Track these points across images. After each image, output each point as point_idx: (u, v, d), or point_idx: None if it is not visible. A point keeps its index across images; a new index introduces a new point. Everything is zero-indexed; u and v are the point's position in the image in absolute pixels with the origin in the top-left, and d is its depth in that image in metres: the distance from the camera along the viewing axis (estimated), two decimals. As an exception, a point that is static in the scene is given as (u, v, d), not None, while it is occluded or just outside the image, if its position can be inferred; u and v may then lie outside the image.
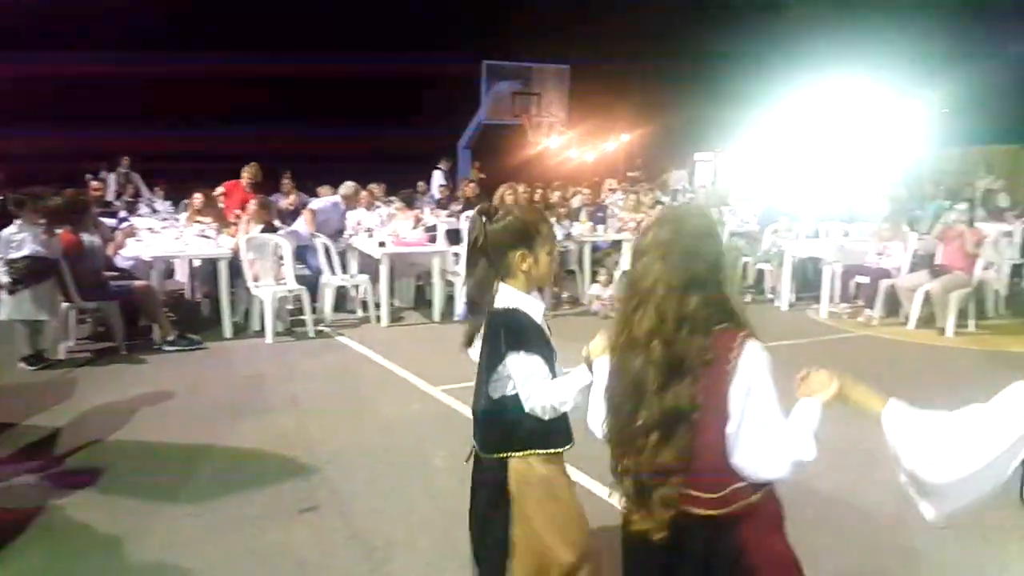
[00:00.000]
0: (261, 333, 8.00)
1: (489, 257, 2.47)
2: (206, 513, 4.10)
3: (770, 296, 10.45)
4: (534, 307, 2.54)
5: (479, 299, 2.51)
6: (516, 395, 2.45)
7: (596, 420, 2.17)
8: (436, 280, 8.99)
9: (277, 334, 7.98)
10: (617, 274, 9.97)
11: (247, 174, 10.41)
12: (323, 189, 12.18)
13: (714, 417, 1.88)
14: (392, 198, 12.23)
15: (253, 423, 5.45)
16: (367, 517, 4.07)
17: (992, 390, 1.89)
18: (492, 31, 19.95)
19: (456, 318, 8.75)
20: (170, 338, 7.48)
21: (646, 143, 22.71)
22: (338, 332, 8.35)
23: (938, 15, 17.19)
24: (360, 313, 9.17)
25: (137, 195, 14.29)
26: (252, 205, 8.86)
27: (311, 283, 8.64)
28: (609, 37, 20.39)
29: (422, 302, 9.76)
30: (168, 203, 13.34)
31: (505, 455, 2.50)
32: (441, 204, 13.35)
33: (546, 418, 2.45)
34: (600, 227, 10.91)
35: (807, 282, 10.66)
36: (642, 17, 20.16)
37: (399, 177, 14.51)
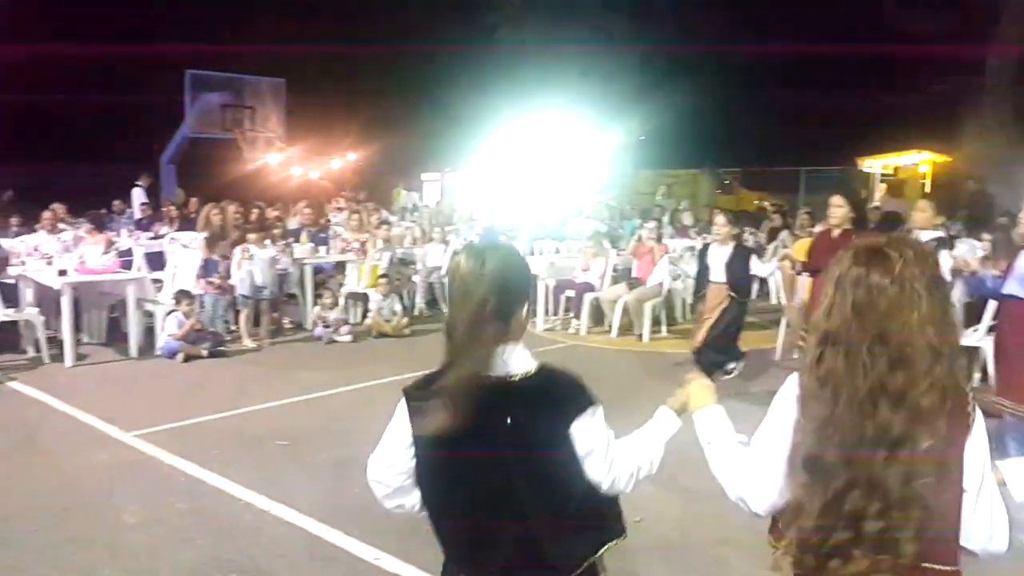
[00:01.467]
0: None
1: (499, 317, 1.89)
2: None
3: (492, 312, 10.77)
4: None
5: (482, 373, 1.88)
6: (589, 475, 1.89)
7: (760, 491, 1.77)
8: (132, 311, 8.10)
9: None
10: (342, 297, 9.75)
11: None
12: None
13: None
14: (80, 220, 10.85)
15: None
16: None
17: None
18: (199, 40, 18.75)
19: (158, 352, 8.02)
20: None
21: (374, 161, 22.65)
22: (9, 377, 7.21)
23: (629, 55, 19.11)
24: (32, 353, 7.97)
25: None
26: None
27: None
28: (327, 54, 20.11)
29: (118, 336, 8.75)
30: None
31: (591, 559, 1.92)
32: (142, 225, 12.20)
33: (628, 491, 1.95)
34: (323, 248, 10.58)
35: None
36: (361, 33, 20.11)
37: (93, 196, 13.05)
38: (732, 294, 6.45)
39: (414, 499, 2.01)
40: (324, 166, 21.82)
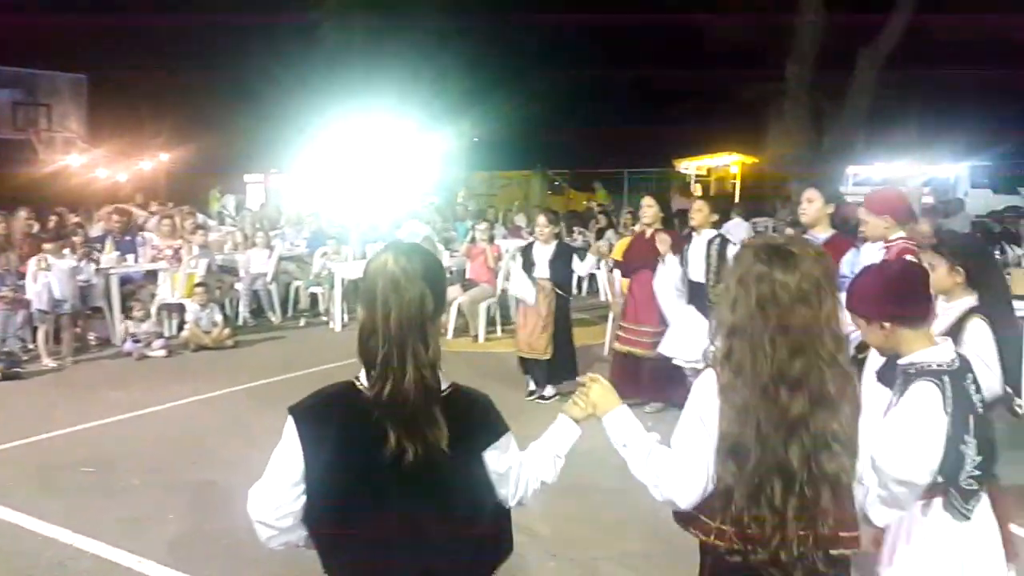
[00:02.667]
0: None
1: (436, 319, 1.76)
2: None
3: (324, 318, 10.43)
4: None
5: (432, 384, 1.71)
6: (498, 496, 1.83)
7: (689, 486, 1.84)
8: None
9: None
10: (154, 308, 9.04)
11: None
12: None
13: None
14: None
15: None
16: None
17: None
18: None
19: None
20: None
21: (191, 163, 21.34)
22: None
23: (460, 57, 19.16)
24: None
25: None
26: None
27: None
28: (133, 49, 18.75)
29: None
30: None
31: None
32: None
33: (527, 504, 1.90)
34: (131, 256, 9.76)
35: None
36: (172, 27, 18.94)
37: None
38: (557, 291, 6.54)
39: (300, 534, 1.82)
40: (133, 168, 20.28)
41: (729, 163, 20.23)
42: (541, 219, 6.84)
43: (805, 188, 5.11)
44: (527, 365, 6.71)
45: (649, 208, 6.42)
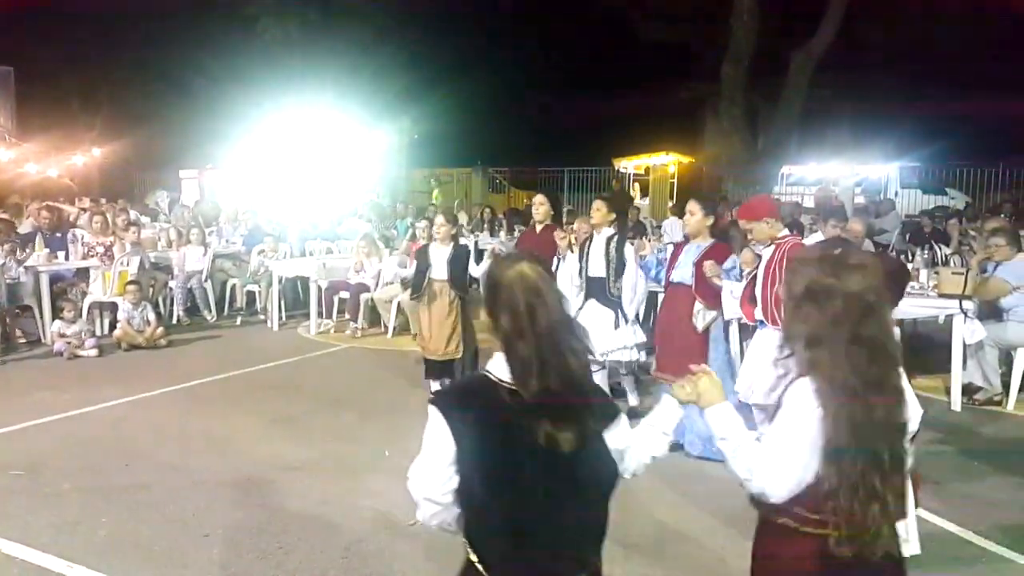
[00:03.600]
0: None
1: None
2: None
3: (261, 317, 10.32)
4: None
5: (581, 376, 1.97)
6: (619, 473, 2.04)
7: (783, 481, 1.99)
8: None
9: None
10: (85, 307, 8.82)
11: None
12: None
13: None
14: None
15: None
16: None
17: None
18: None
19: None
20: None
21: (125, 158, 20.79)
22: None
23: (399, 53, 19.07)
24: None
25: None
26: None
27: None
28: (64, 40, 18.18)
29: None
30: None
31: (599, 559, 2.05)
32: None
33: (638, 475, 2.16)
34: (62, 253, 9.50)
35: (297, 301, 10.78)
36: (104, 19, 18.41)
37: None
38: (456, 291, 6.58)
39: (454, 512, 1.96)
40: (64, 163, 19.65)
41: (667, 162, 20.56)
42: (439, 219, 6.87)
43: (688, 200, 5.64)
44: (434, 368, 6.70)
45: (541, 206, 6.83)
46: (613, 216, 6.20)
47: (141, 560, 3.96)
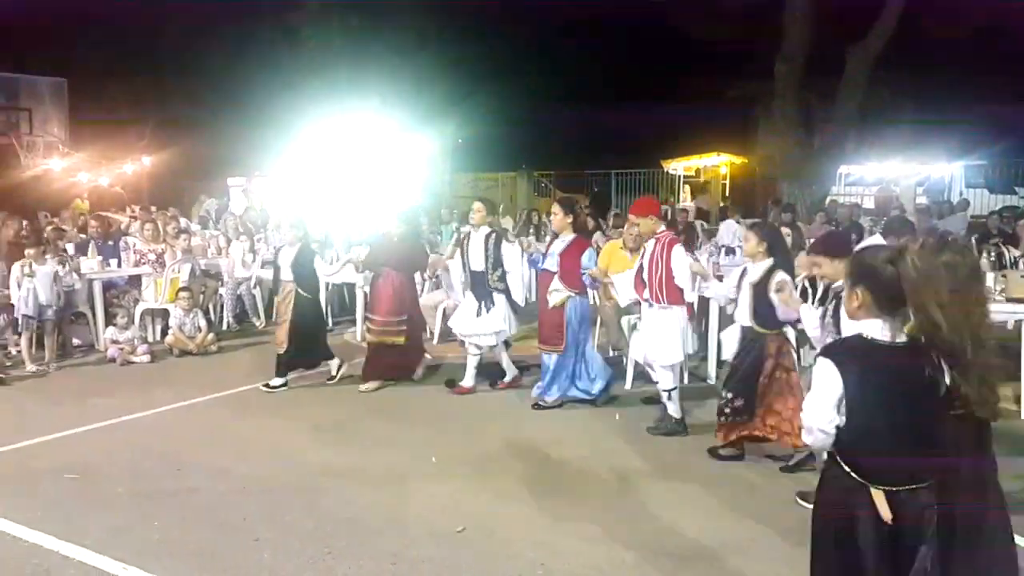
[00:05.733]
0: None
1: None
2: None
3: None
4: None
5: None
6: None
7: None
8: None
9: None
10: (137, 314, 8.93)
11: None
12: None
13: None
14: None
15: None
16: None
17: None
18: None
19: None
20: None
21: (174, 167, 21.18)
22: None
23: (442, 58, 19.10)
24: None
25: None
26: None
27: None
28: (115, 52, 18.59)
29: None
30: None
31: None
32: None
33: None
34: (114, 261, 9.65)
35: (343, 306, 10.79)
36: (153, 31, 18.80)
37: None
38: (300, 291, 7.08)
39: (831, 440, 2.59)
40: (115, 172, 20.10)
41: (718, 163, 20.22)
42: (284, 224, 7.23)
43: (552, 203, 6.56)
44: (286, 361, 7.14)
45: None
46: (492, 217, 7.08)
47: (192, 563, 3.94)
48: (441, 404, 6.77)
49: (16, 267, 7.80)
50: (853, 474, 2.57)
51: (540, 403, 6.53)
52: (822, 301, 4.59)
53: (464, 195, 21.72)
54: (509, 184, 23.33)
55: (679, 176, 22.01)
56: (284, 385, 7.16)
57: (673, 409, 5.85)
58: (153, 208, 13.85)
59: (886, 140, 17.82)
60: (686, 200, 20.63)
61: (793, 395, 4.93)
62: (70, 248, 9.61)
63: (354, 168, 15.88)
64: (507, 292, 6.87)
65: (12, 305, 7.88)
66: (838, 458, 2.62)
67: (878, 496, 2.52)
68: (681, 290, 5.70)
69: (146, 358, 8.29)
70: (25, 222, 9.52)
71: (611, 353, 7.99)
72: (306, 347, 7.21)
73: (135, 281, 9.56)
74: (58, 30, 17.96)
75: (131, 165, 20.69)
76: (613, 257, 7.97)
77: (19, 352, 8.02)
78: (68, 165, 18.25)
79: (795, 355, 5.05)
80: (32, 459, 5.42)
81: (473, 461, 5.26)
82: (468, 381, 7.02)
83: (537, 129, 23.61)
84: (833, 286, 4.39)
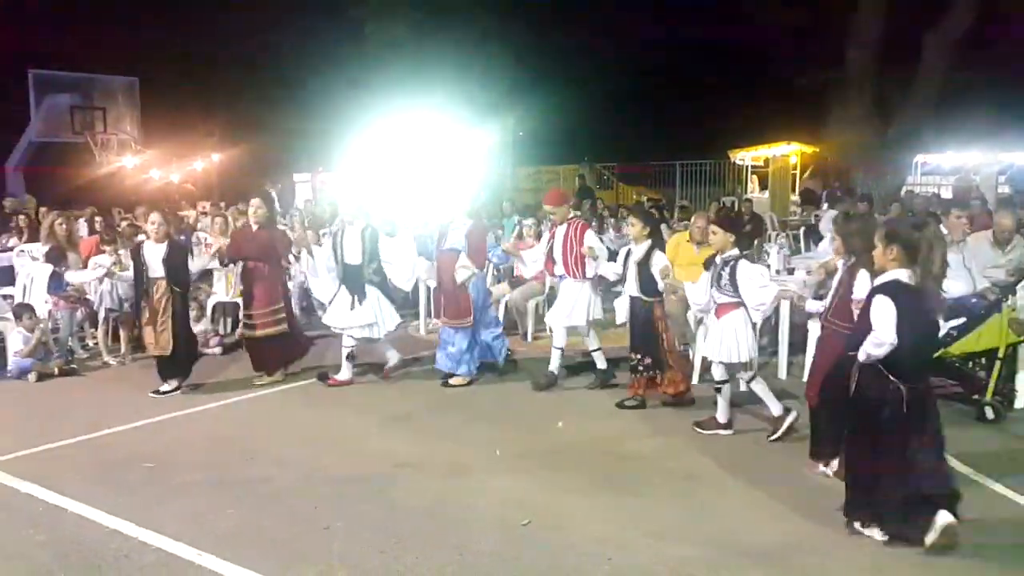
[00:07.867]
0: None
1: None
2: None
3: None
4: None
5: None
6: None
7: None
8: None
9: None
10: (209, 307, 9.12)
11: None
12: None
13: None
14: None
15: None
16: None
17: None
18: (41, 38, 17.34)
19: (8, 373, 7.37)
20: None
21: (242, 163, 21.65)
22: None
23: (504, 51, 19.05)
24: None
25: None
26: None
27: None
28: (184, 51, 19.08)
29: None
30: None
31: None
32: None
33: None
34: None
35: (407, 300, 10.83)
36: (220, 29, 19.21)
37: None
38: (174, 287, 6.88)
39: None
40: (185, 168, 20.64)
41: (788, 152, 19.66)
42: (153, 216, 7.01)
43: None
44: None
45: (252, 207, 7.35)
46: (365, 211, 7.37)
47: (264, 551, 4.00)
48: (505, 399, 6.75)
49: (105, 260, 7.96)
50: (890, 376, 3.76)
51: (450, 382, 7.05)
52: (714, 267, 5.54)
53: (526, 188, 21.68)
54: (571, 177, 23.16)
55: (747, 166, 21.48)
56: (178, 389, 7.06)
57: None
58: (222, 204, 14.14)
59: (966, 127, 17.03)
60: (753, 190, 20.14)
61: (671, 349, 6.24)
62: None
63: (419, 162, 15.94)
64: (381, 285, 7.16)
65: (88, 299, 8.15)
66: (880, 366, 3.76)
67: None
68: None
69: (218, 350, 8.48)
70: (100, 218, 9.82)
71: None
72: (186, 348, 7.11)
73: (206, 275, 9.75)
74: (128, 29, 18.49)
75: (200, 162, 21.22)
76: (680, 250, 7.83)
77: (96, 344, 8.31)
78: (140, 162, 18.79)
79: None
80: (110, 448, 5.58)
81: (538, 455, 5.25)
82: (344, 374, 7.17)
83: (598, 120, 23.34)
84: (724, 255, 5.43)
